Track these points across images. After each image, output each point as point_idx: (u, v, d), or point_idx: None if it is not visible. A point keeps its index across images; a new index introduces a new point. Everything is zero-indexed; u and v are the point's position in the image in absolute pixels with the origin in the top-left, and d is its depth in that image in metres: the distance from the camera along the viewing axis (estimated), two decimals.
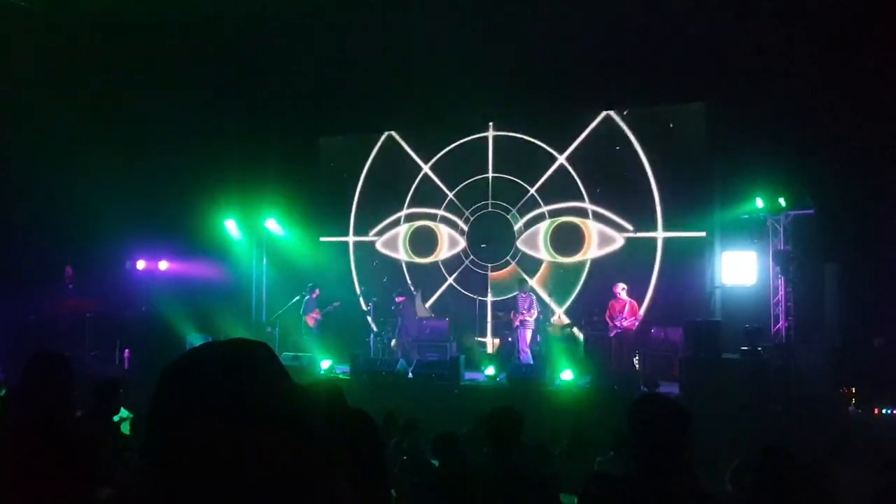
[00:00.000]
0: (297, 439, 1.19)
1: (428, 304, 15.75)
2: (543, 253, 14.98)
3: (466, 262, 15.69)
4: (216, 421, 1.14)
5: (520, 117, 15.25)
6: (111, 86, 13.54)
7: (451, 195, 15.85)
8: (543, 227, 15.00)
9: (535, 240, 15.07)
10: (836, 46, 11.08)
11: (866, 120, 11.03)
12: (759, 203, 12.40)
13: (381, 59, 13.74)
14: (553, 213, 14.94)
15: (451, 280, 15.69)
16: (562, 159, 14.83)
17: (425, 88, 13.86)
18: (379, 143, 16.58)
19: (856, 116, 11.10)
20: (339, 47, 13.65)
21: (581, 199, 14.68)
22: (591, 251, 14.57)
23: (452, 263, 15.87)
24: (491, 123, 15.56)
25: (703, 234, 13.49)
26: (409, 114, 15.48)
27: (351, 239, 16.72)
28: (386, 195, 16.37)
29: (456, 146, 15.87)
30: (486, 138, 15.64)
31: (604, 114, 14.49)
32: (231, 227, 15.98)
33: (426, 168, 16.11)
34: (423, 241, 16.12)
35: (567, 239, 14.82)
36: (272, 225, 15.99)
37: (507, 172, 15.40)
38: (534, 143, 15.15)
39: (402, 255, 16.21)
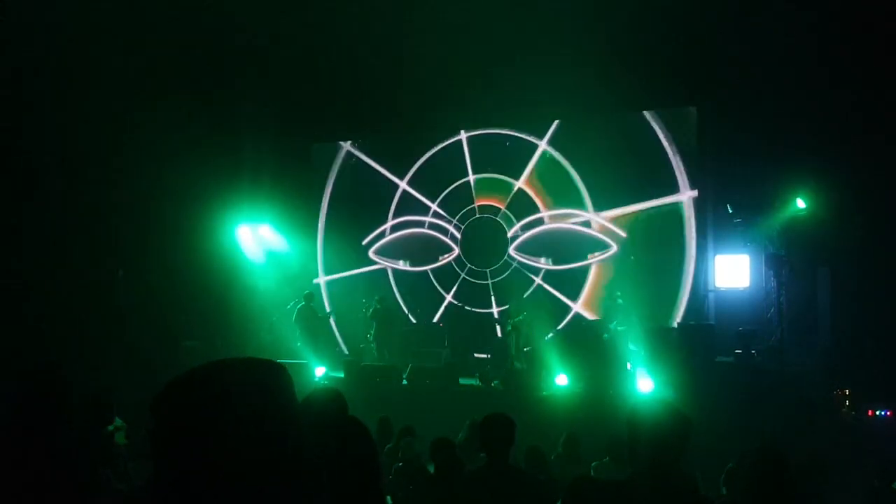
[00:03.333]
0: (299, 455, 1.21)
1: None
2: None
3: (462, 274, 15.67)
4: (230, 436, 1.16)
5: (518, 119, 15.28)
6: (106, 91, 13.52)
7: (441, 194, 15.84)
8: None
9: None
10: (829, 50, 11.13)
11: (859, 124, 11.08)
12: (753, 207, 12.46)
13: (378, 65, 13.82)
14: (553, 218, 14.92)
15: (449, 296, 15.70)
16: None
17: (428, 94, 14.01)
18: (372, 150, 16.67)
19: (848, 121, 11.15)
20: (335, 53, 13.70)
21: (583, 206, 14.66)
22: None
23: (446, 273, 15.86)
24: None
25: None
26: (409, 118, 15.53)
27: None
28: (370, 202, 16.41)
29: (433, 153, 15.92)
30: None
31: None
32: (244, 234, 16.00)
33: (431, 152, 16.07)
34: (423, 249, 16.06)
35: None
36: (266, 232, 16.00)
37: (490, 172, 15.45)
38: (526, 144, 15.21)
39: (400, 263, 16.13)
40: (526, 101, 14.10)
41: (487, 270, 15.36)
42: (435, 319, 15.46)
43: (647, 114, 14.07)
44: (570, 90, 13.35)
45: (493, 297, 15.02)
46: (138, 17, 12.01)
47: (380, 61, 13.73)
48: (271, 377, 1.26)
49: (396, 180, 16.22)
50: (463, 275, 15.54)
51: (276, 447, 1.19)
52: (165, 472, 1.19)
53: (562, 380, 11.81)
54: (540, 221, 14.98)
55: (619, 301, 12.75)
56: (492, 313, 15.00)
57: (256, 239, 16.20)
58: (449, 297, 15.52)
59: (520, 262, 15.06)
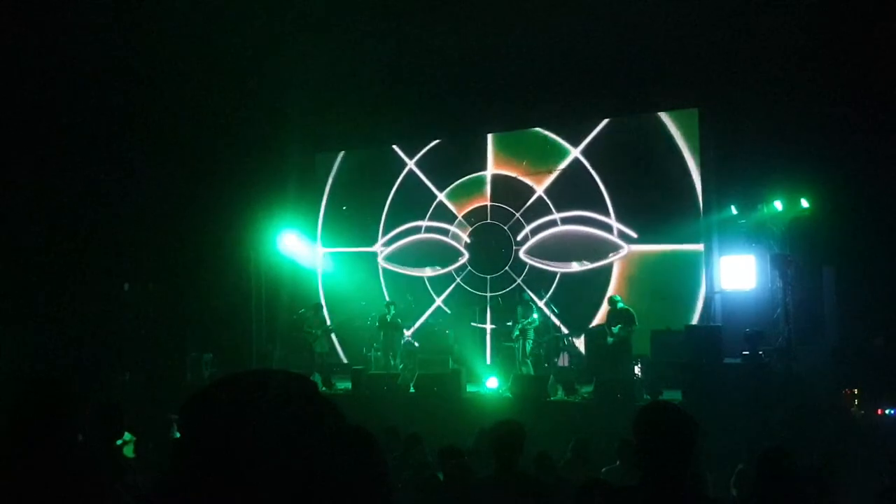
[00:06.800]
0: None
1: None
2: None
3: (458, 280, 15.69)
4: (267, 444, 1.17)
5: (517, 124, 15.30)
6: (103, 98, 13.59)
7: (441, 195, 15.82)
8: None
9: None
10: (831, 49, 11.14)
11: (861, 122, 11.07)
12: (756, 207, 12.45)
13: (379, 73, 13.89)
14: (564, 220, 14.88)
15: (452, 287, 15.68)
16: (577, 153, 14.80)
17: (424, 101, 14.01)
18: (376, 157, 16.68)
19: (851, 119, 11.15)
20: (333, 64, 13.74)
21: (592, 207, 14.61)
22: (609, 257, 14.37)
23: (447, 276, 15.87)
24: (489, 135, 15.63)
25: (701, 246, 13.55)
26: (409, 127, 15.55)
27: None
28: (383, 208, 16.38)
29: (451, 152, 15.97)
30: (485, 148, 15.71)
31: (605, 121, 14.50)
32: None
33: (411, 164, 16.12)
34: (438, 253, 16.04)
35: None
36: (291, 241, 15.99)
37: (506, 189, 15.47)
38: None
39: (426, 268, 16.03)
40: (527, 101, 14.13)
41: (487, 276, 15.37)
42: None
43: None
44: (572, 91, 13.43)
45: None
46: (159, 28, 12.07)
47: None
48: (306, 390, 1.28)
49: (405, 157, 16.23)
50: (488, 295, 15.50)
51: (304, 460, 1.20)
52: (187, 473, 1.20)
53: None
54: (552, 223, 14.91)
55: (620, 305, 12.73)
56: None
57: (262, 248, 16.17)
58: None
59: (532, 266, 15.01)
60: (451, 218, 15.91)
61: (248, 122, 14.98)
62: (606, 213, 14.49)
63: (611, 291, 13.97)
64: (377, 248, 16.44)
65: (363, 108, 14.77)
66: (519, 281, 14.97)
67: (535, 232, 15.11)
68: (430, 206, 16.06)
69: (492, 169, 15.67)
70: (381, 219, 16.38)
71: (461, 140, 16.01)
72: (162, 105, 13.62)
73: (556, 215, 14.94)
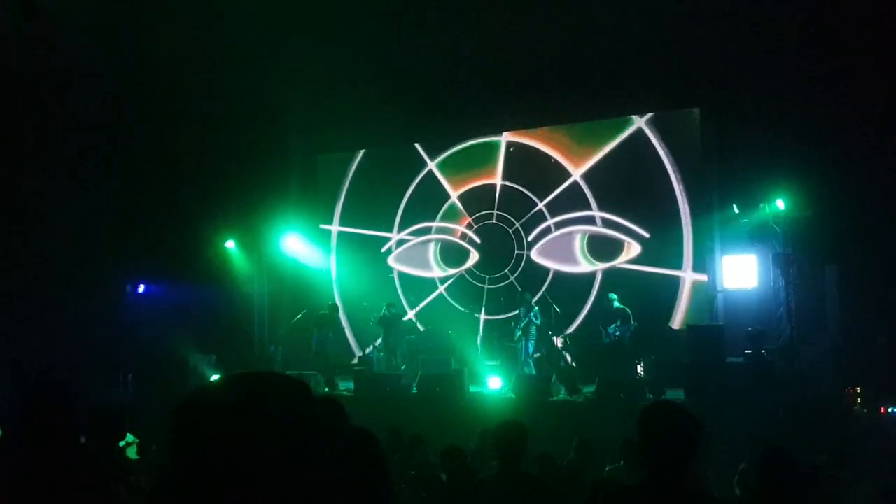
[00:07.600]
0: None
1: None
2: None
3: (441, 289, 15.48)
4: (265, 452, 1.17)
5: (521, 124, 15.12)
6: (106, 101, 13.60)
7: (454, 197, 15.48)
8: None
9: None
10: (831, 49, 11.13)
11: (862, 122, 11.07)
12: (758, 206, 12.45)
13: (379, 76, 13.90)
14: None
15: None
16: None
17: (433, 103, 14.03)
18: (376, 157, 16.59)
19: (852, 119, 11.14)
20: (335, 64, 13.77)
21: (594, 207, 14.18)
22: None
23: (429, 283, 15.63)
24: (505, 134, 14.91)
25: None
26: (408, 129, 15.52)
27: (336, 229, 16.33)
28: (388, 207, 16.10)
29: (465, 155, 15.13)
30: (497, 144, 14.89)
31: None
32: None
33: (432, 165, 15.42)
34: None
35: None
36: (294, 244, 15.95)
37: (516, 180, 14.70)
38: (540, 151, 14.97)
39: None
40: (526, 102, 14.10)
41: (508, 270, 15.10)
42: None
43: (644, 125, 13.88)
44: (573, 92, 13.41)
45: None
46: (159, 30, 12.10)
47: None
48: (304, 392, 1.28)
49: (427, 158, 14.78)
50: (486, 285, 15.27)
51: (304, 461, 1.20)
52: (182, 476, 1.21)
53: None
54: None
55: (616, 304, 12.70)
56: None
57: (263, 250, 16.16)
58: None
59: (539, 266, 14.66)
60: (442, 197, 15.22)
61: (249, 124, 14.97)
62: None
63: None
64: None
65: (366, 108, 14.75)
66: (526, 292, 14.06)
67: (559, 227, 14.23)
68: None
69: (508, 135, 14.25)
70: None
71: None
72: (162, 106, 13.63)
73: (596, 212, 14.11)
